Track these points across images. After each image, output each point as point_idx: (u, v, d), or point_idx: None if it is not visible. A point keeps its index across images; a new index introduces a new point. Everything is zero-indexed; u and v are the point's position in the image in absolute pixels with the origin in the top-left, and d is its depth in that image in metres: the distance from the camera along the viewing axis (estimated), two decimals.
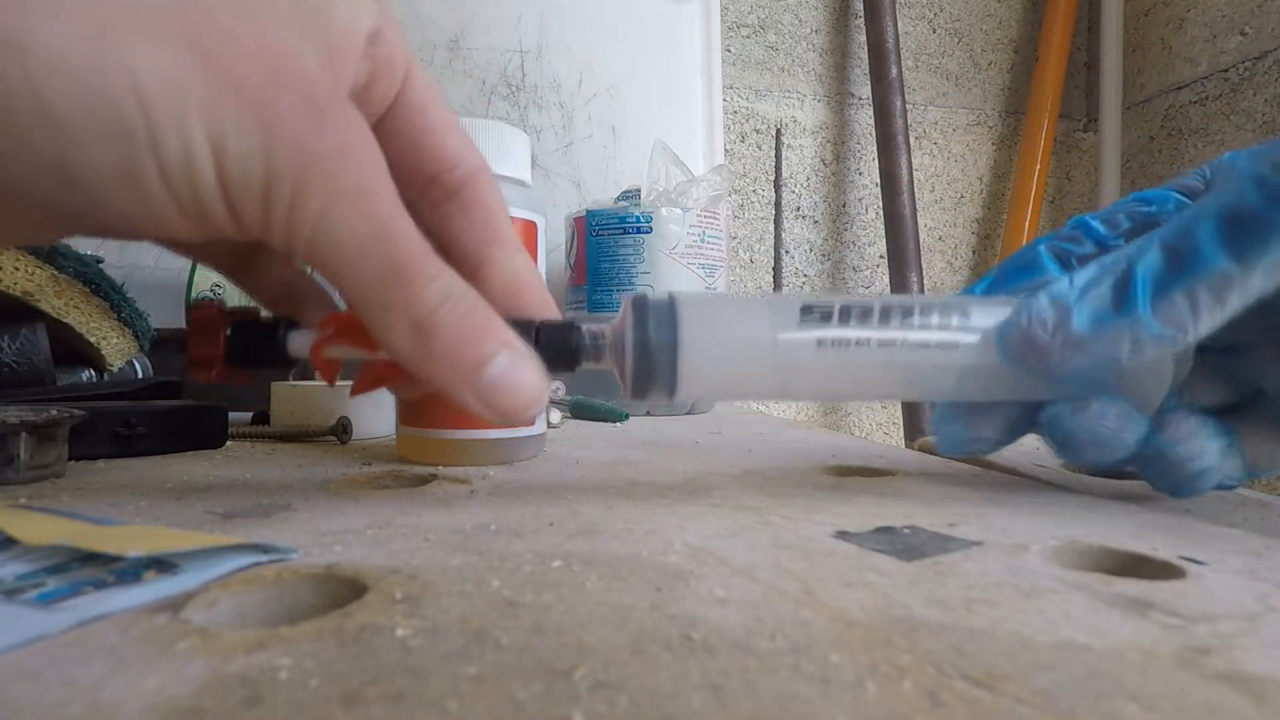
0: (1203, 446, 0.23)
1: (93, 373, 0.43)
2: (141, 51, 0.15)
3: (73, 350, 0.41)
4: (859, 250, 1.05)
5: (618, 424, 0.49)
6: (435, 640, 0.13)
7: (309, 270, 0.23)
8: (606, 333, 0.23)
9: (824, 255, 1.04)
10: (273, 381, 0.42)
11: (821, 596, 0.15)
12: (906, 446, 0.79)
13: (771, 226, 1.02)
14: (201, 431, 0.35)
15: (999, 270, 0.27)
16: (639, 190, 0.61)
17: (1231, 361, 0.26)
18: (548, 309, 0.24)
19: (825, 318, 0.24)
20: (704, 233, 0.57)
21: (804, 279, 1.03)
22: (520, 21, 0.82)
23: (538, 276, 0.24)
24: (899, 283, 0.94)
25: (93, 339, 0.40)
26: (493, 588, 0.16)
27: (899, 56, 0.96)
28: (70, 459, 0.29)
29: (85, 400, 0.34)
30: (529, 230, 0.33)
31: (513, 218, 0.25)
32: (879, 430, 1.06)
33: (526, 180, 0.34)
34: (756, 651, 0.13)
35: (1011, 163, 1.09)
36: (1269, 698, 0.11)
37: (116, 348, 0.41)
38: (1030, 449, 0.37)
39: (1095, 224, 0.26)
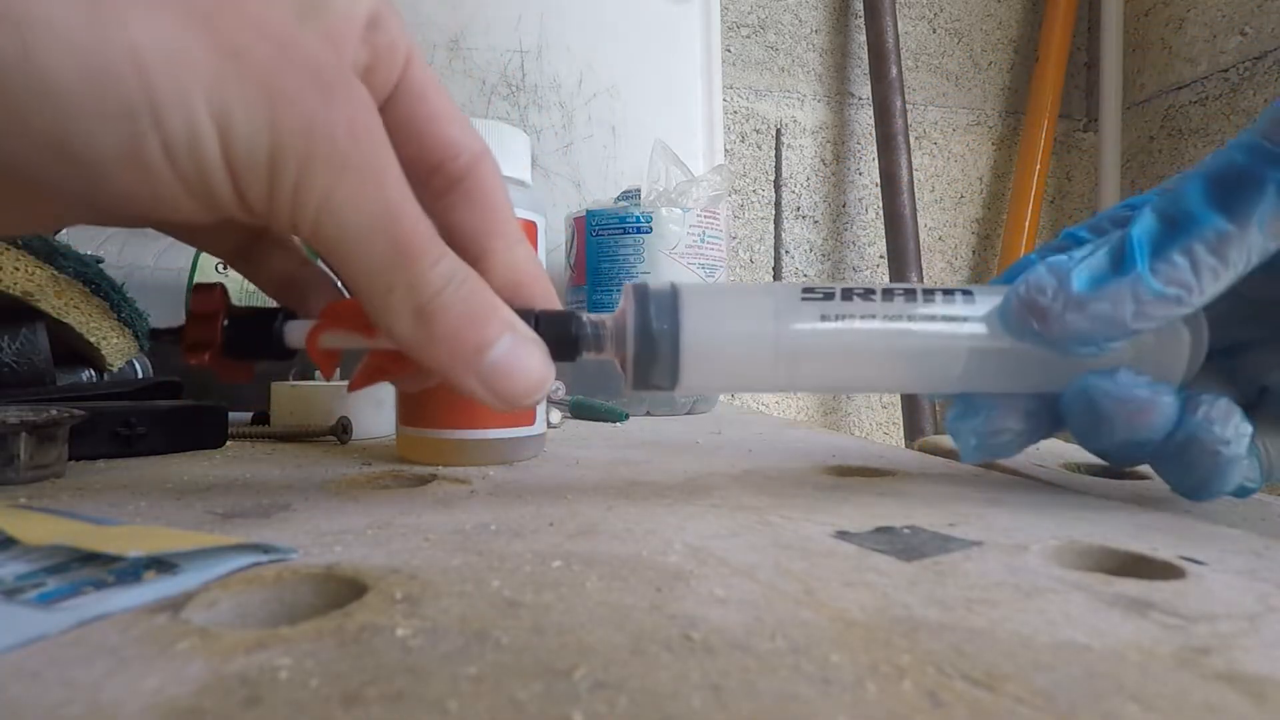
0: (1238, 429, 0.22)
1: (93, 373, 0.43)
2: (142, 22, 0.15)
3: (73, 350, 0.41)
4: (859, 250, 1.05)
5: (618, 424, 0.49)
6: (435, 640, 0.13)
7: (316, 259, 0.23)
8: (608, 322, 0.23)
9: (824, 255, 1.04)
10: (273, 381, 0.42)
11: (821, 596, 0.15)
12: (906, 446, 0.79)
13: (771, 226, 1.02)
14: (201, 431, 0.35)
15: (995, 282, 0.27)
16: (639, 190, 0.61)
17: (1234, 361, 0.26)
18: (550, 299, 0.23)
19: (828, 296, 0.23)
20: (704, 233, 0.57)
21: (804, 279, 1.03)
22: (520, 21, 0.82)
23: (540, 267, 0.24)
24: (899, 283, 0.94)
25: (93, 339, 0.40)
26: (493, 588, 0.16)
27: (899, 56, 0.96)
28: (70, 459, 0.29)
29: (85, 400, 0.34)
30: (529, 230, 0.33)
31: None
32: (879, 430, 1.06)
33: (527, 180, 0.34)
34: (756, 651, 0.13)
35: (1011, 163, 1.09)
36: (1269, 698, 0.11)
37: (116, 348, 0.41)
38: (1030, 448, 0.37)
39: (1082, 232, 0.26)
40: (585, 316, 0.23)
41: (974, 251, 1.10)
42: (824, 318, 0.23)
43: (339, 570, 0.17)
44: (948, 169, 1.08)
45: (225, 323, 0.21)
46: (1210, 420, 0.22)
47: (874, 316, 0.23)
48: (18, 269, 0.37)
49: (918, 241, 0.95)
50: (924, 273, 0.97)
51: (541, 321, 0.22)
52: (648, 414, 0.55)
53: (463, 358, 0.19)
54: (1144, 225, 0.22)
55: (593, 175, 0.83)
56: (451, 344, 0.19)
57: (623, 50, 0.84)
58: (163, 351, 0.47)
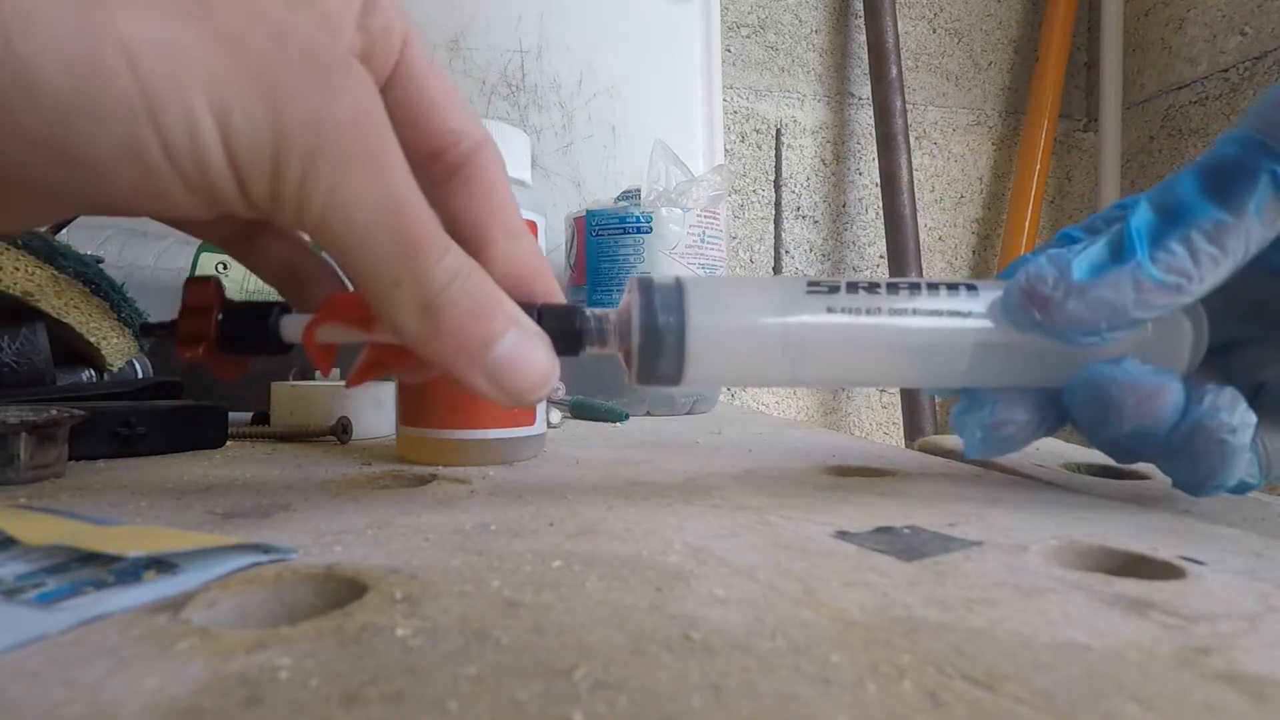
0: (1244, 418, 0.22)
1: (93, 373, 0.43)
2: (132, 16, 0.14)
3: (73, 350, 0.41)
4: (859, 250, 1.05)
5: (618, 424, 0.49)
6: (435, 640, 0.13)
7: (319, 250, 0.22)
8: (611, 316, 0.23)
9: (824, 255, 1.04)
10: (272, 381, 0.42)
11: (821, 596, 0.15)
12: (906, 446, 0.79)
13: (771, 226, 1.02)
14: (201, 431, 0.35)
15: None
16: (639, 190, 0.61)
17: (1230, 359, 0.26)
18: (552, 292, 0.23)
19: (833, 290, 0.23)
20: (704, 233, 0.57)
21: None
22: (520, 21, 0.82)
23: (542, 259, 0.23)
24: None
25: (93, 339, 0.40)
26: (493, 588, 0.16)
27: (899, 56, 0.96)
28: (70, 459, 0.29)
29: (85, 400, 0.34)
30: (529, 230, 0.33)
31: None
32: (879, 430, 1.06)
33: (527, 180, 0.34)
34: (756, 651, 0.13)
35: (1011, 163, 1.09)
36: (1269, 698, 0.11)
37: (116, 348, 0.41)
38: (1030, 448, 0.37)
39: (1077, 233, 0.27)
40: (589, 311, 0.22)
41: (974, 251, 1.10)
42: (830, 310, 0.23)
43: (339, 570, 0.17)
44: (948, 169, 1.08)
45: (219, 316, 0.20)
46: (1217, 408, 0.22)
47: (879, 310, 0.23)
48: (18, 269, 0.37)
49: (918, 241, 0.95)
50: (924, 273, 0.97)
51: (544, 315, 0.21)
52: (648, 414, 0.55)
53: (468, 353, 0.19)
54: (1141, 217, 0.22)
55: (593, 175, 0.83)
56: (457, 339, 0.18)
57: (623, 50, 0.84)
58: (163, 351, 0.47)
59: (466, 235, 0.22)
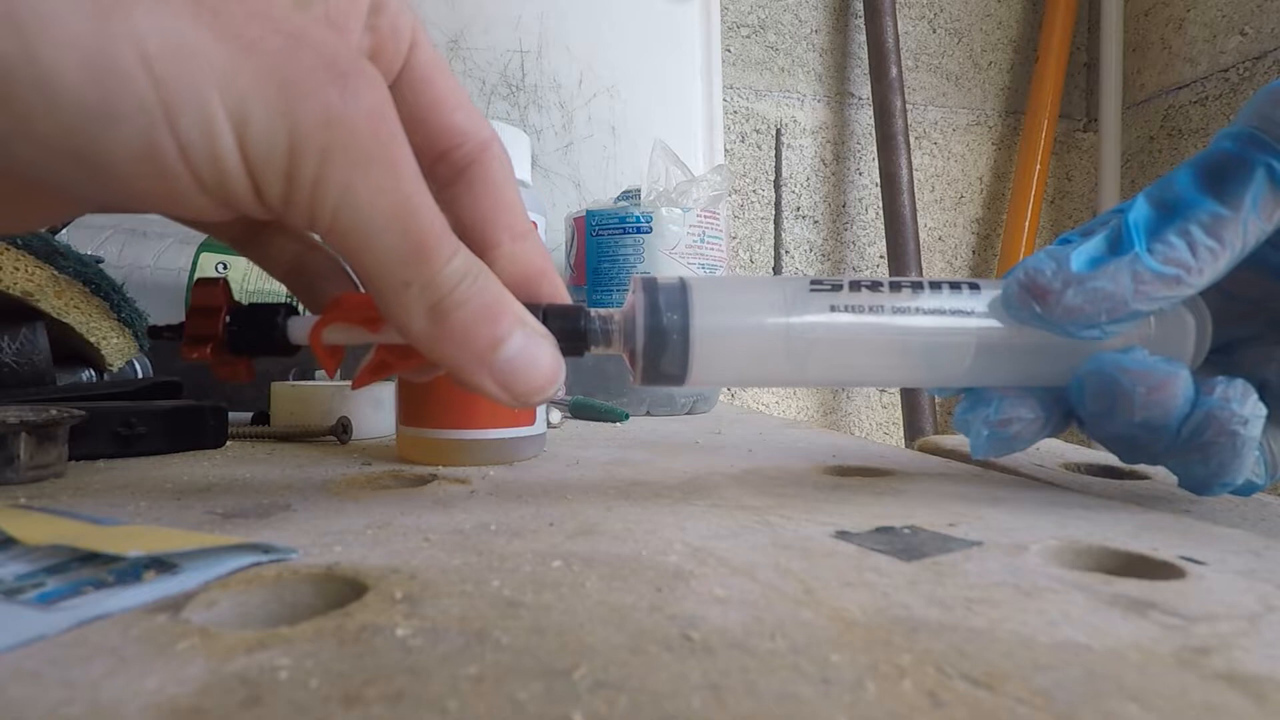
0: (1255, 408, 0.22)
1: (93, 373, 0.43)
2: (147, 17, 0.14)
3: (73, 350, 0.41)
4: (859, 250, 1.05)
5: (618, 424, 0.49)
6: (435, 640, 0.13)
7: (328, 248, 0.22)
8: (616, 316, 0.23)
9: (824, 255, 1.04)
10: (273, 381, 0.42)
11: (821, 596, 0.15)
12: (906, 446, 0.79)
13: (771, 226, 1.02)
14: (201, 431, 0.35)
15: None
16: (639, 190, 0.61)
17: (1231, 359, 0.26)
18: (558, 293, 0.23)
19: (836, 288, 0.23)
20: (704, 233, 0.57)
21: None
22: (520, 21, 0.82)
23: (547, 259, 0.23)
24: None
25: (93, 339, 0.40)
26: (493, 588, 0.16)
27: (899, 56, 0.96)
28: (70, 459, 0.29)
29: (85, 400, 0.34)
30: (534, 229, 0.33)
31: None
32: (879, 430, 1.06)
33: (527, 180, 0.34)
34: (756, 651, 0.13)
35: (1011, 163, 1.09)
36: (1269, 698, 0.11)
37: (116, 348, 0.41)
38: (1030, 449, 0.37)
39: (1075, 237, 0.27)
40: (594, 311, 0.22)
41: (974, 251, 1.10)
42: (833, 309, 0.23)
43: (339, 570, 0.17)
44: (948, 169, 1.08)
45: (227, 318, 0.20)
46: (1228, 399, 0.22)
47: (882, 308, 0.23)
48: (18, 269, 0.37)
49: (918, 241, 0.95)
50: (924, 273, 0.97)
51: (549, 316, 0.21)
52: (648, 414, 0.55)
53: (476, 355, 0.19)
54: (1139, 211, 0.22)
55: (593, 175, 0.83)
56: (464, 341, 0.18)
57: (623, 50, 0.84)
58: (163, 351, 0.47)
59: (472, 235, 0.22)
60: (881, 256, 1.04)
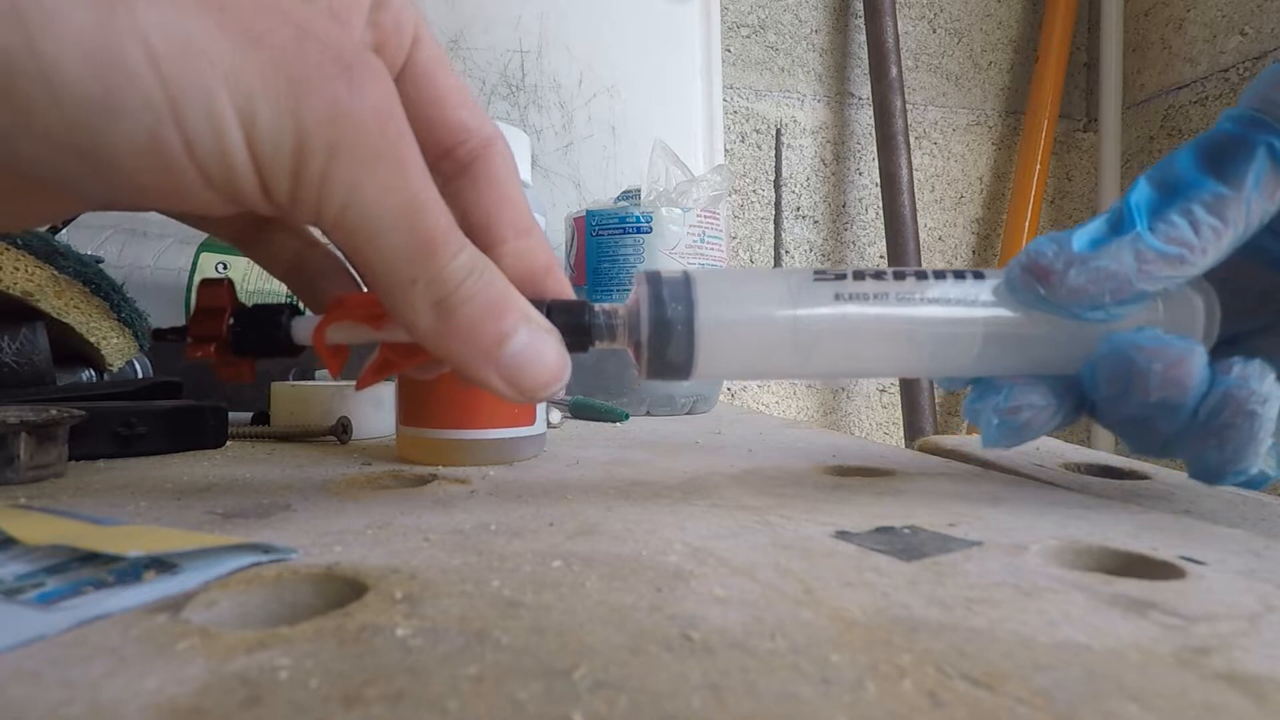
0: (1273, 388, 0.21)
1: (93, 373, 0.43)
2: (153, 11, 0.14)
3: (73, 350, 0.41)
4: (859, 250, 1.05)
5: (618, 424, 0.49)
6: (435, 640, 0.13)
7: (329, 244, 0.22)
8: (620, 310, 0.23)
9: (824, 255, 1.04)
10: (273, 381, 0.42)
11: (821, 596, 0.15)
12: (906, 446, 0.79)
13: (771, 226, 1.02)
14: (201, 431, 0.35)
15: None
16: (639, 190, 0.61)
17: (1238, 349, 0.26)
18: (562, 288, 0.23)
19: (840, 277, 0.23)
20: (704, 233, 0.57)
21: None
22: (520, 21, 0.82)
23: (551, 255, 0.23)
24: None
25: (93, 339, 0.40)
26: (493, 588, 0.16)
27: (899, 56, 0.96)
28: (70, 459, 0.29)
29: (85, 400, 0.34)
30: (538, 226, 0.33)
31: None
32: (879, 430, 1.06)
33: (527, 180, 0.34)
34: (756, 651, 0.13)
35: (1011, 163, 1.09)
36: (1269, 698, 0.11)
37: (116, 348, 0.41)
38: (1030, 448, 0.37)
39: None
40: (598, 306, 0.22)
41: (974, 251, 1.10)
42: (838, 297, 0.23)
43: (339, 570, 0.17)
44: (948, 169, 1.08)
45: (231, 319, 0.20)
46: (1246, 377, 0.21)
47: (887, 296, 0.23)
48: (18, 269, 0.37)
49: (918, 241, 0.95)
50: None
51: (553, 311, 0.21)
52: (648, 414, 0.55)
53: (482, 351, 0.18)
54: (1140, 192, 0.22)
55: (593, 175, 0.83)
56: (470, 337, 0.18)
57: (623, 50, 0.84)
58: (163, 351, 0.47)
59: (477, 232, 0.22)
60: (881, 256, 1.04)
